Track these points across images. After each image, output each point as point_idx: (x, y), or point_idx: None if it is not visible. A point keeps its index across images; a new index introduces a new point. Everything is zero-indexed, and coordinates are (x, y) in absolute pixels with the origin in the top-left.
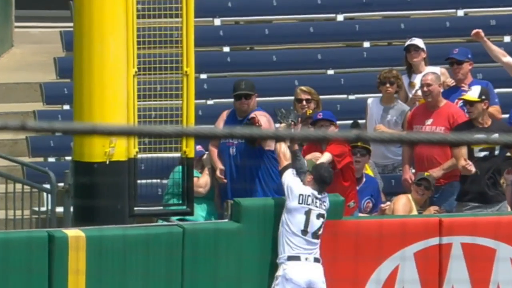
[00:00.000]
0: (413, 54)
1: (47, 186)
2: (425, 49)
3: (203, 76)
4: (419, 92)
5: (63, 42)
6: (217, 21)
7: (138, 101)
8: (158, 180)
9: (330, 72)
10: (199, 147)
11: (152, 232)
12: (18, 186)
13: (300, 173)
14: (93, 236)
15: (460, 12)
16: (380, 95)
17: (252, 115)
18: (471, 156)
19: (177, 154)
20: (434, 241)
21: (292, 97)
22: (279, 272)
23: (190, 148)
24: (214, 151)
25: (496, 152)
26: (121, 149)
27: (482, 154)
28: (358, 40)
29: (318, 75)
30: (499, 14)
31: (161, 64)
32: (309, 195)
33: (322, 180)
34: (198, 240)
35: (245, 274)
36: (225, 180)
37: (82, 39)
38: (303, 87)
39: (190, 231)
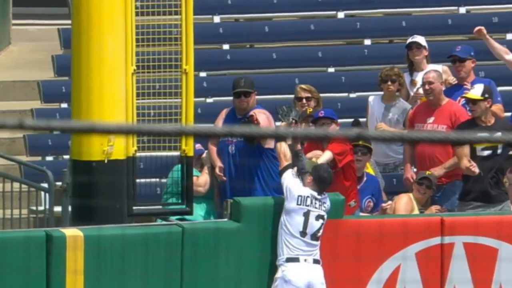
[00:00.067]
0: (414, 52)
1: (45, 185)
2: (427, 46)
3: (203, 74)
4: (421, 90)
5: (61, 40)
6: (217, 19)
7: (137, 99)
8: (157, 179)
9: (331, 70)
10: (198, 146)
11: (151, 232)
12: (16, 185)
13: (302, 173)
14: (92, 236)
15: (462, 9)
16: (381, 93)
17: (251, 113)
18: (473, 155)
19: (176, 153)
20: (436, 240)
21: (292, 95)
22: (278, 274)
23: (189, 146)
24: (213, 149)
25: (499, 151)
26: (120, 148)
27: (485, 153)
28: (359, 38)
29: (318, 73)
30: (501, 11)
31: (160, 62)
32: (308, 196)
33: (322, 180)
34: (198, 240)
35: (245, 274)
36: (225, 178)
37: (80, 36)
38: (303, 85)
39: (190, 230)
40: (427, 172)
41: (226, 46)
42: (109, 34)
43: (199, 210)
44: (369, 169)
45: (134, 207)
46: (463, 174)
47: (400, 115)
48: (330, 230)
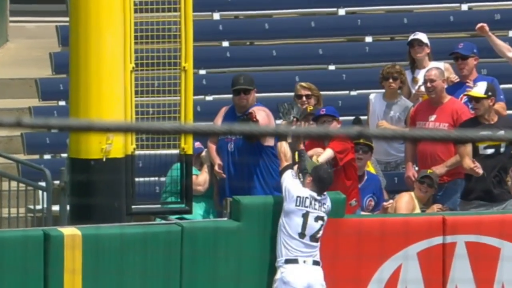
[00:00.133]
0: (416, 49)
1: (43, 183)
2: (428, 44)
3: (202, 71)
4: (423, 88)
5: (59, 37)
6: (216, 16)
7: (136, 97)
8: (156, 178)
9: (332, 67)
10: (197, 144)
11: (150, 231)
12: (13, 184)
13: (305, 173)
14: (90, 235)
15: (464, 6)
16: (383, 91)
17: (250, 110)
18: (476, 153)
19: (176, 151)
20: (437, 240)
21: (293, 93)
22: (277, 276)
23: (188, 145)
24: (213, 147)
25: (502, 150)
26: (118, 146)
27: (488, 151)
28: (360, 35)
29: (319, 70)
30: (503, 8)
31: (159, 60)
32: (307, 197)
33: (322, 181)
34: (197, 239)
35: (244, 273)
36: (224, 175)
37: (78, 33)
38: (303, 83)
39: (189, 229)
40: (429, 171)
41: (225, 43)
42: (107, 32)
43: (198, 209)
44: (370, 168)
45: (133, 206)
46: (465, 173)
47: (402, 113)
48: (330, 229)
